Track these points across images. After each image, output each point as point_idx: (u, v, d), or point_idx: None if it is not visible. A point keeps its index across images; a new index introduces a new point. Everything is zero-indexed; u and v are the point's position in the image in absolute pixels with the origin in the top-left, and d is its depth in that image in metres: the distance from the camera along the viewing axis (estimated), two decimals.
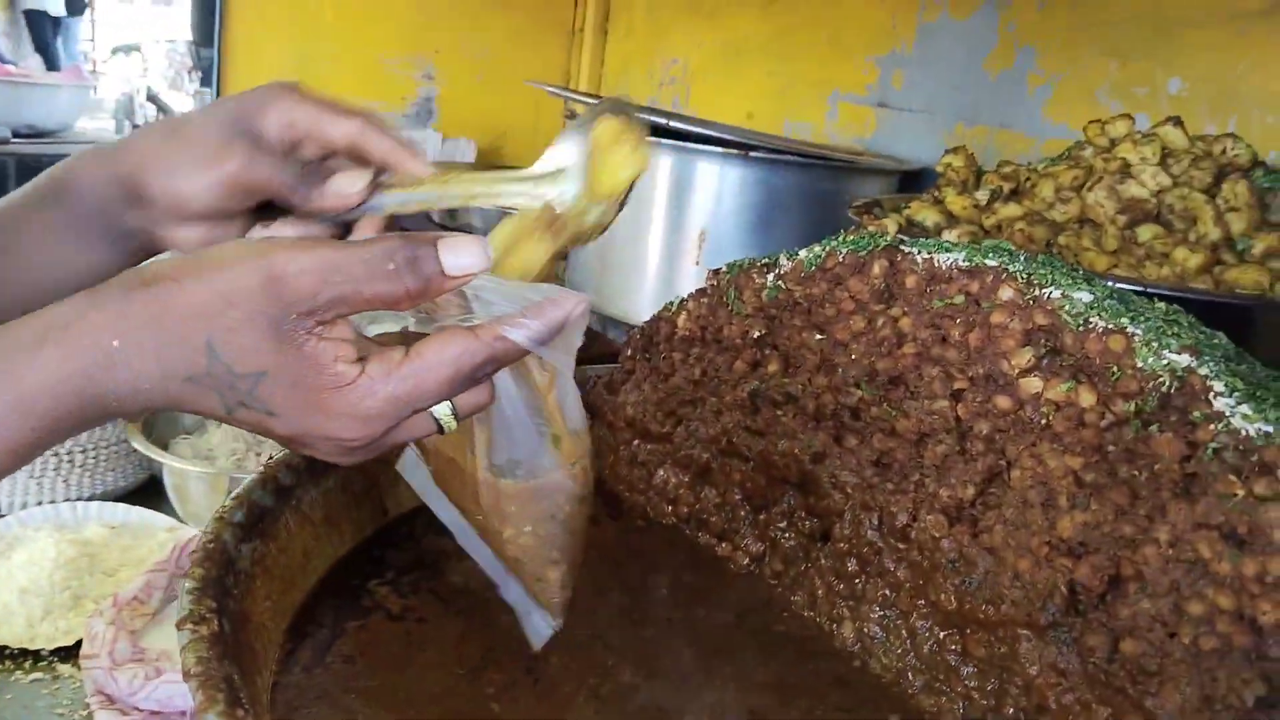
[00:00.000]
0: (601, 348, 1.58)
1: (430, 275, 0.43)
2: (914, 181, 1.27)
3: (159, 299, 0.43)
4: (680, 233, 1.22)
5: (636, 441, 0.84)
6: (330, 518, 0.70)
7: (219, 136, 0.61)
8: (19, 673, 0.93)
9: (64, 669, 0.93)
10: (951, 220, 0.97)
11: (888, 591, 0.65)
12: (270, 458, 0.77)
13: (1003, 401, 0.60)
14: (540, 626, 0.59)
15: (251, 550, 0.60)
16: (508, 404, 0.53)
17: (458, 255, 0.44)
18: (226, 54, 2.02)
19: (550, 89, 1.34)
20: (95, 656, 0.83)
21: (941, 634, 0.61)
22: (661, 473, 0.81)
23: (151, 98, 9.13)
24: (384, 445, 0.47)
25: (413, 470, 0.60)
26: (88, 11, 11.23)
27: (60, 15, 11.15)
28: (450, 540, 0.60)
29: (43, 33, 11.06)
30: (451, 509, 0.59)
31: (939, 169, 1.03)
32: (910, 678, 0.62)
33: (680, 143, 1.19)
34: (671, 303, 0.83)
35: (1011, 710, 0.56)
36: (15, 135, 2.98)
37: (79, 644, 0.87)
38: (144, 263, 0.51)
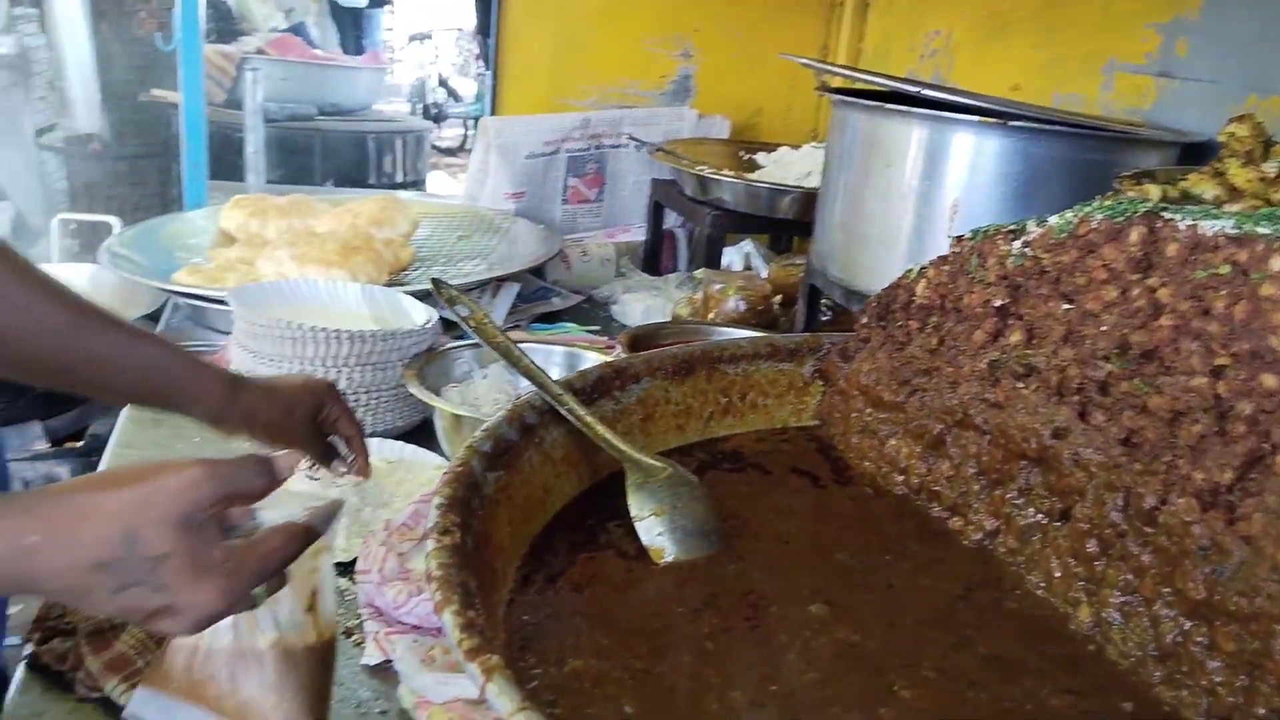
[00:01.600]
0: (846, 324, 1.56)
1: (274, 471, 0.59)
2: (1196, 155, 1.17)
3: (86, 502, 0.54)
4: (932, 205, 1.18)
5: (869, 410, 0.83)
6: (570, 458, 0.75)
7: (290, 409, 0.92)
8: None
9: (342, 581, 1.05)
10: (1234, 194, 0.88)
11: (1130, 576, 0.61)
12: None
13: (1269, 381, 0.55)
14: None
15: (496, 479, 0.65)
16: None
17: (282, 461, 0.60)
18: (501, 42, 2.16)
19: (807, 61, 1.34)
20: (367, 573, 0.92)
21: (1187, 624, 0.57)
22: (893, 442, 0.80)
23: (442, 82, 9.76)
24: (223, 614, 0.58)
25: (144, 703, 0.69)
26: (388, 4, 12.23)
27: (362, 6, 12.20)
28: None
29: (347, 23, 12.14)
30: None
31: (1221, 138, 0.95)
32: (1149, 668, 0.58)
33: (934, 112, 1.16)
34: (911, 270, 0.82)
35: (1263, 710, 0.52)
36: (321, 112, 3.33)
37: (355, 561, 0.97)
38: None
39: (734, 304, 1.66)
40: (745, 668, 0.57)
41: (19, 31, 3.78)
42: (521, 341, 1.47)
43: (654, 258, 2.13)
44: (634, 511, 0.70)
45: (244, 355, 1.32)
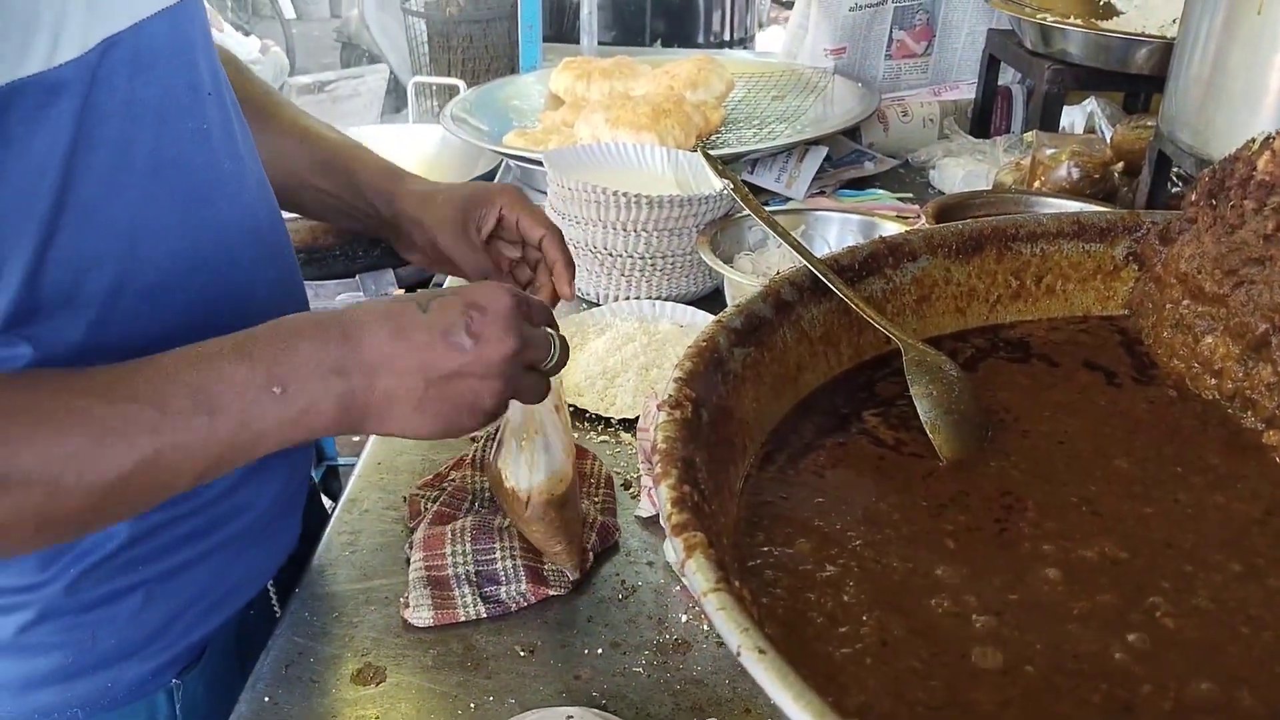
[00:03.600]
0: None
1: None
2: None
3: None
4: None
5: (1186, 301, 0.73)
6: (829, 336, 0.72)
7: (448, 216, 0.92)
8: (593, 433, 1.12)
9: (626, 437, 1.10)
10: None
11: None
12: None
13: None
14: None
15: (744, 355, 0.64)
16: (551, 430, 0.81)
17: None
18: None
19: None
20: (646, 431, 0.96)
21: None
22: (1209, 340, 0.69)
23: None
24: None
25: None
26: None
27: None
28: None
29: None
30: None
31: None
32: None
33: None
34: (1254, 139, 0.69)
35: None
36: None
37: (638, 418, 1.02)
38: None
39: (1066, 171, 1.50)
40: (984, 571, 0.54)
41: None
42: (820, 209, 1.43)
43: (984, 118, 1.97)
44: (913, 389, 0.66)
45: (555, 216, 1.39)
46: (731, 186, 0.86)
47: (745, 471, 0.62)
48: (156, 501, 0.64)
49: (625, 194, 1.28)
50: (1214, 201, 0.72)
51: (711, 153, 1.49)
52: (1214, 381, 0.69)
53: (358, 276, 2.05)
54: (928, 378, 0.66)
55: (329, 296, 2.05)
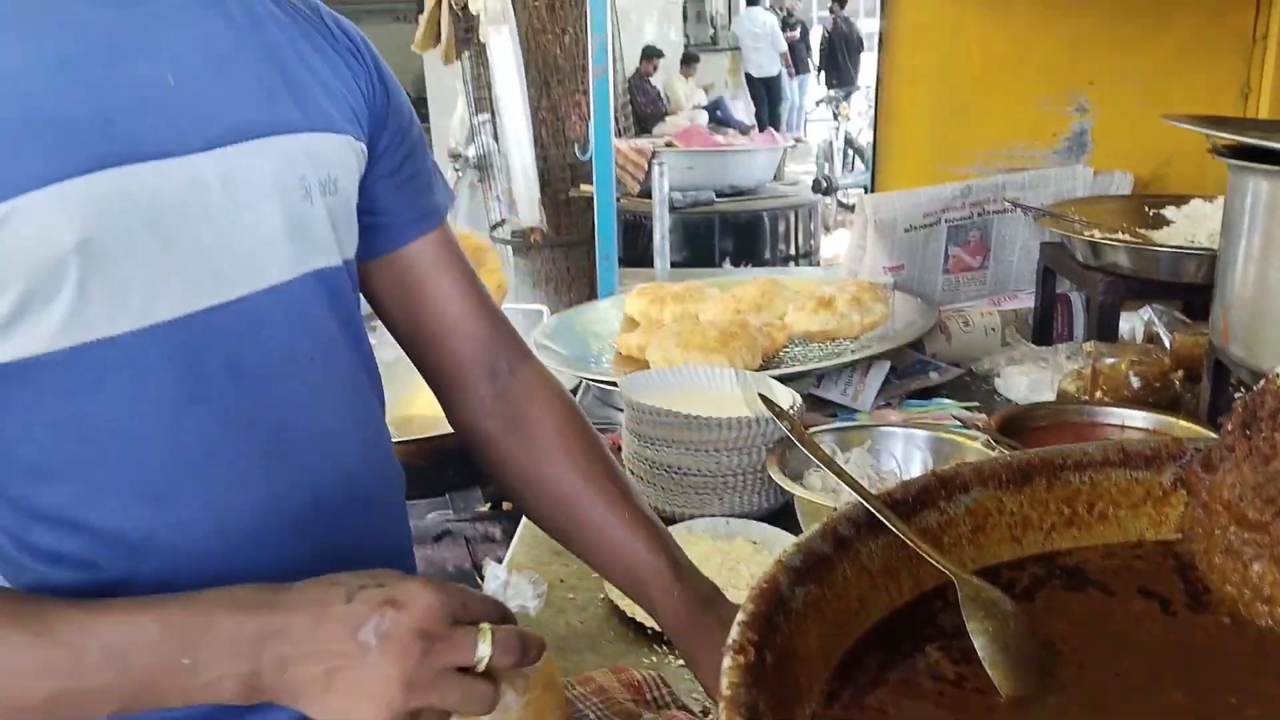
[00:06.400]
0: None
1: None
2: None
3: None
4: None
5: (1233, 528, 0.75)
6: (889, 569, 0.76)
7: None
8: (670, 657, 1.15)
9: None
10: None
11: None
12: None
13: None
14: None
15: (805, 593, 0.69)
16: None
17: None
18: (881, 117, 2.19)
19: (1190, 125, 1.23)
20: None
21: None
22: (1257, 567, 0.72)
23: (848, 141, 9.96)
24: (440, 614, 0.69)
25: None
26: (803, 72, 12.72)
27: (774, 76, 12.71)
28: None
29: (761, 93, 12.75)
30: None
31: None
32: None
33: None
34: (1278, 370, 0.74)
35: None
36: (718, 195, 3.58)
37: None
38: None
39: (1127, 380, 1.54)
40: None
41: (482, 137, 4.46)
42: (885, 425, 1.48)
43: (1045, 326, 2.03)
44: (970, 625, 0.70)
45: (630, 437, 1.47)
46: (790, 426, 0.92)
47: (811, 710, 0.65)
48: None
49: (696, 416, 1.36)
50: (1248, 432, 0.76)
51: (775, 372, 1.57)
52: (1265, 608, 0.71)
53: (447, 495, 2.15)
54: (983, 613, 0.70)
55: (419, 516, 2.14)
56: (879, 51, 2.15)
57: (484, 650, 0.68)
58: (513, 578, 0.77)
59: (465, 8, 3.62)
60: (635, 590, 0.95)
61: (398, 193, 0.95)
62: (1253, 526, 0.73)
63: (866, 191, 2.32)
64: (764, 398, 1.03)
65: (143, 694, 0.67)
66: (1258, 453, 0.74)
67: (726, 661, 0.59)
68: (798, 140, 10.10)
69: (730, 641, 0.60)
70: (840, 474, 0.83)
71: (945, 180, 2.10)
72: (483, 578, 0.79)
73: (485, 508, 2.10)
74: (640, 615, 1.18)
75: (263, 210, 0.81)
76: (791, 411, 1.44)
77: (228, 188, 0.78)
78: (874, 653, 0.71)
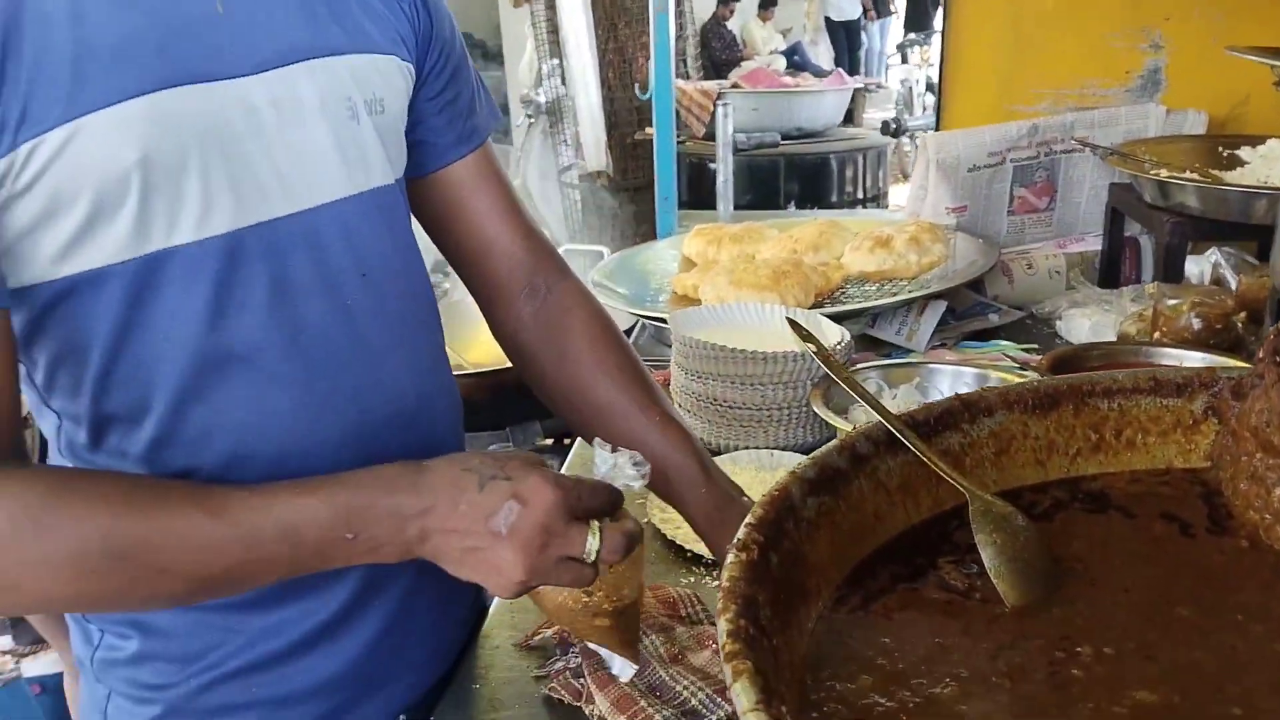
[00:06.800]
0: None
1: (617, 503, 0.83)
2: None
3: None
4: None
5: (1259, 454, 0.75)
6: (907, 487, 0.78)
7: None
8: (708, 578, 1.18)
9: None
10: None
11: None
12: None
13: None
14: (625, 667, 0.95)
15: (818, 504, 0.71)
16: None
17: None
18: (948, 51, 2.15)
19: (1259, 58, 1.19)
20: None
21: None
22: (1279, 492, 0.72)
23: (929, 87, 9.72)
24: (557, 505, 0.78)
25: None
26: (887, 14, 12.40)
27: (854, 19, 12.40)
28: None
29: (841, 37, 12.46)
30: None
31: None
32: None
33: None
34: None
35: None
36: (784, 137, 3.54)
37: None
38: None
39: (1187, 321, 1.51)
40: (1033, 711, 0.58)
41: (551, 83, 4.48)
42: (934, 362, 1.48)
43: (1112, 269, 1.99)
44: (978, 536, 0.71)
45: (678, 371, 1.49)
46: (817, 349, 0.93)
47: (818, 612, 0.67)
48: (241, 593, 0.81)
49: (741, 350, 1.38)
50: (1278, 359, 0.75)
51: (829, 310, 1.58)
52: None
53: (507, 428, 2.20)
54: (991, 526, 0.71)
55: (481, 447, 2.20)
56: None
57: (593, 545, 0.79)
58: (618, 458, 0.85)
59: None
60: (666, 488, 0.99)
61: (440, 114, 0.98)
62: (1277, 452, 0.73)
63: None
64: (793, 323, 1.05)
65: (311, 562, 0.77)
66: None
67: (729, 558, 0.61)
68: (878, 85, 9.87)
69: (735, 540, 0.62)
70: (862, 395, 0.85)
71: (1012, 119, 2.05)
72: None
73: (544, 441, 2.15)
74: (680, 538, 1.21)
75: (311, 130, 0.84)
76: (838, 347, 1.45)
77: (277, 109, 0.82)
78: (888, 564, 0.73)
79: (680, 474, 0.97)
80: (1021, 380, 0.85)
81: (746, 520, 0.65)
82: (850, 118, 8.15)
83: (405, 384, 0.94)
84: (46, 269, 0.75)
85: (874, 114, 8.35)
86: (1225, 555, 0.72)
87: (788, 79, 4.22)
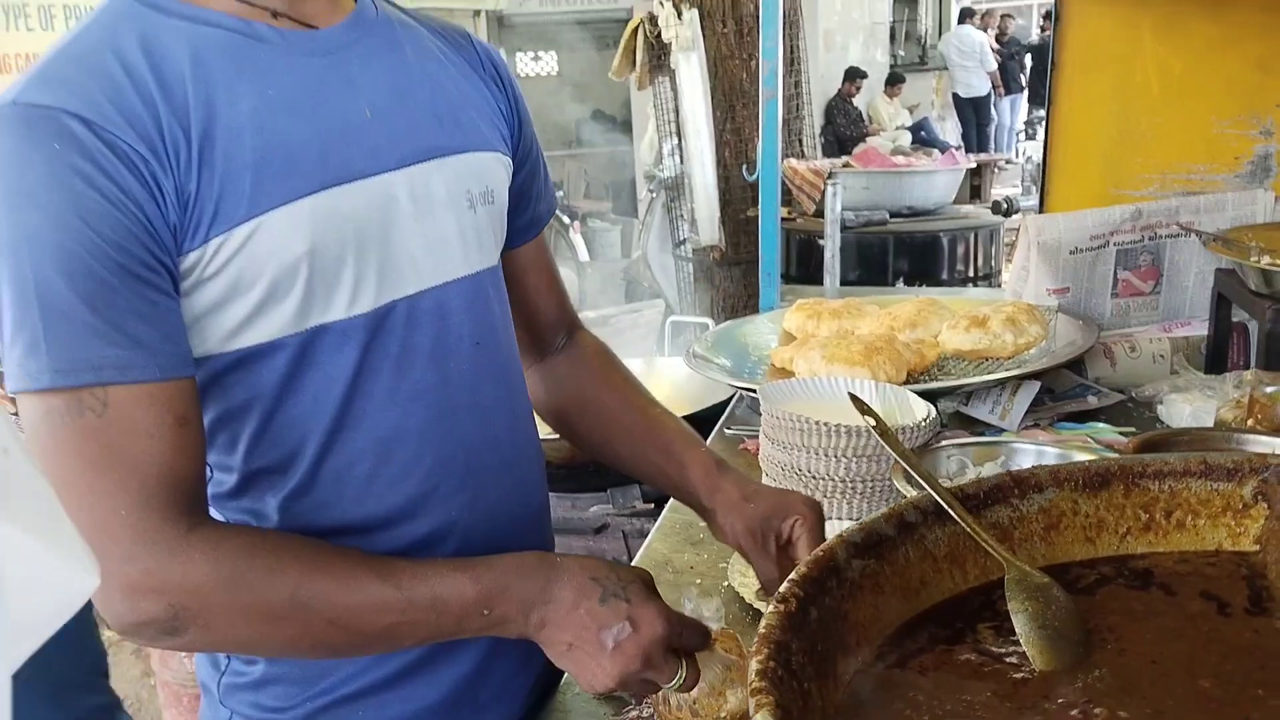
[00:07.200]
0: None
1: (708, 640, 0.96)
2: None
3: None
4: None
5: None
6: (955, 555, 0.83)
7: (753, 525, 1.05)
8: None
9: None
10: None
11: None
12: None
13: None
14: None
15: (863, 566, 0.77)
16: None
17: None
18: (1052, 137, 2.18)
19: None
20: None
21: None
22: None
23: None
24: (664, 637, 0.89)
25: None
26: (1016, 92, 12.28)
27: (983, 95, 12.32)
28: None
29: (969, 114, 12.40)
30: None
31: None
32: None
33: None
34: None
35: None
36: (893, 215, 3.59)
37: None
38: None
39: None
40: None
41: (671, 161, 4.65)
42: (1019, 442, 1.51)
43: (1218, 354, 1.96)
44: (1011, 604, 0.76)
45: (766, 442, 1.56)
46: (875, 423, 0.99)
47: (856, 666, 0.73)
48: (383, 652, 0.93)
49: (824, 423, 1.44)
50: None
51: (920, 386, 1.63)
52: None
53: (608, 490, 2.29)
54: (1025, 594, 0.76)
55: (584, 508, 2.30)
56: (1050, 71, 2.14)
57: (678, 679, 0.91)
58: (701, 606, 0.99)
59: (659, 36, 3.80)
60: (668, 460, 1.12)
61: (518, 203, 1.11)
62: None
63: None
64: (854, 397, 1.11)
65: (449, 629, 0.88)
66: None
67: (769, 608, 0.68)
68: (1007, 161, 9.78)
69: (777, 593, 0.69)
70: (915, 467, 0.91)
71: (1117, 203, 2.06)
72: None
73: (645, 505, 2.23)
74: (760, 605, 1.27)
75: (440, 219, 0.97)
76: (923, 423, 1.50)
77: (413, 201, 0.95)
78: (929, 626, 0.79)
79: (678, 444, 1.14)
80: (1057, 464, 0.89)
81: (790, 576, 0.72)
82: (978, 193, 8.09)
83: (505, 437, 1.05)
84: (222, 343, 0.88)
85: (1001, 189, 8.28)
86: (1258, 634, 0.74)
87: (899, 159, 4.27)
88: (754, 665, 0.62)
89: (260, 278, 0.86)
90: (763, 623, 0.67)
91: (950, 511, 0.82)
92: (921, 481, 0.86)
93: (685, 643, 0.90)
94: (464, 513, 1.00)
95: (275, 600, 0.82)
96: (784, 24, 4.43)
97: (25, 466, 0.41)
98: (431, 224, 0.96)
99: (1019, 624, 0.74)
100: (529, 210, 1.14)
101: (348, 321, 0.91)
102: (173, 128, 0.81)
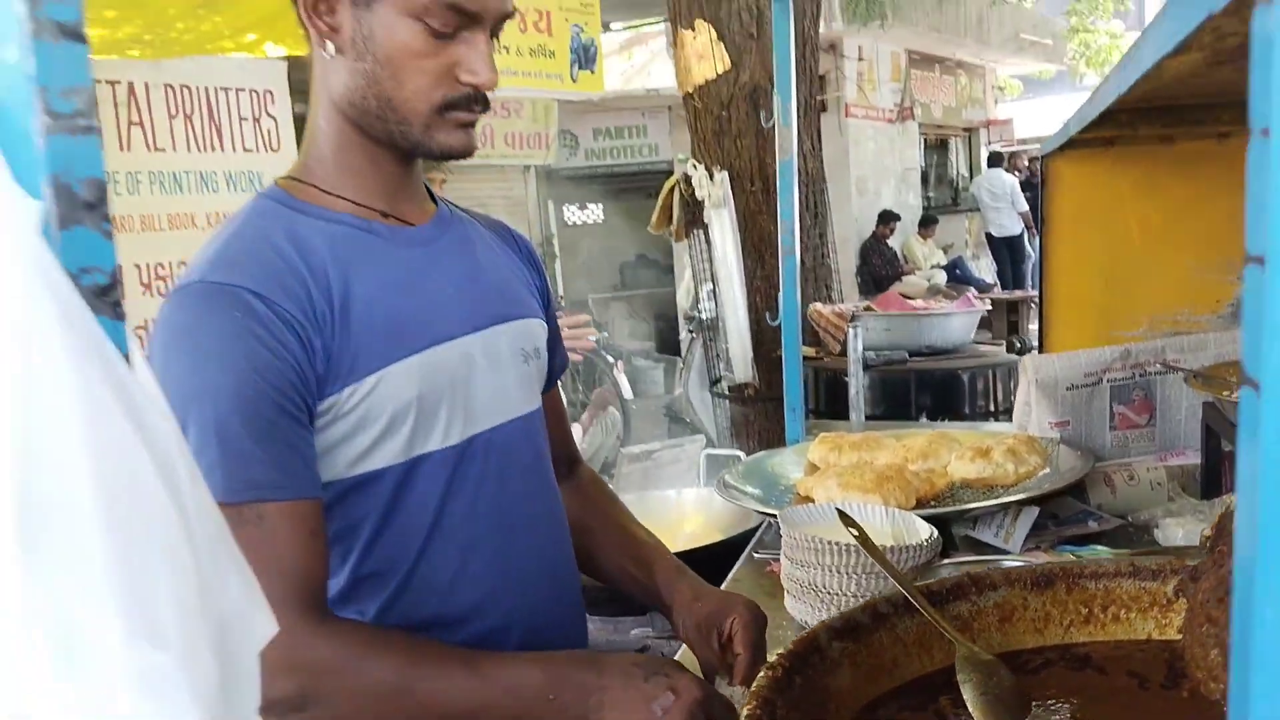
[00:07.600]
0: None
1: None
2: None
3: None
4: None
5: (1204, 625, 0.95)
6: (923, 641, 1.01)
7: (700, 621, 1.22)
8: None
9: None
10: None
11: None
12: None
13: None
14: None
15: (841, 647, 0.95)
16: None
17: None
18: (1048, 275, 2.40)
19: None
20: None
21: None
22: (1214, 653, 0.91)
23: None
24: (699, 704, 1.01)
25: None
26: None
27: (1016, 234, 12.58)
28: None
29: (1004, 252, 12.65)
30: None
31: None
32: None
33: None
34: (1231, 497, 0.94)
35: None
36: (913, 354, 3.80)
37: None
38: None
39: None
40: None
41: (708, 305, 4.93)
42: (1011, 559, 1.67)
43: (1211, 481, 2.11)
44: (959, 676, 0.94)
45: (786, 561, 1.74)
46: (859, 536, 1.18)
47: None
48: None
49: (836, 542, 1.61)
50: (1219, 545, 0.96)
51: (928, 511, 1.80)
52: (1217, 686, 0.89)
53: (649, 614, 2.45)
54: (971, 668, 0.93)
55: (625, 631, 2.45)
56: (1040, 229, 2.37)
57: None
58: (733, 691, 1.12)
59: (693, 194, 4.14)
60: (639, 567, 1.31)
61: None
62: (1214, 623, 0.93)
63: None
64: (842, 514, 1.30)
65: (518, 712, 1.01)
66: (1217, 562, 0.94)
67: (760, 674, 0.86)
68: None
69: (767, 663, 0.88)
70: (892, 572, 1.09)
71: (1111, 343, 2.25)
72: None
73: None
74: None
75: (505, 371, 1.21)
76: (926, 544, 1.67)
77: (486, 357, 1.19)
78: (900, 698, 0.96)
79: (651, 553, 1.34)
80: (1009, 566, 1.07)
81: (778, 650, 0.90)
82: (1015, 329, 8.22)
83: (550, 544, 1.26)
84: (347, 469, 1.10)
85: (1035, 326, 8.41)
86: (1168, 703, 0.91)
87: (918, 303, 4.52)
88: (744, 713, 0.80)
89: (382, 415, 1.08)
90: (754, 684, 0.85)
91: (915, 604, 1.00)
92: (895, 580, 1.04)
93: (717, 710, 1.03)
94: (520, 606, 1.20)
95: (383, 684, 1.00)
96: (807, 183, 4.77)
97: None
98: (499, 375, 1.20)
99: (966, 692, 0.91)
100: (551, 365, 1.37)
101: (442, 451, 1.13)
102: (319, 300, 1.05)
